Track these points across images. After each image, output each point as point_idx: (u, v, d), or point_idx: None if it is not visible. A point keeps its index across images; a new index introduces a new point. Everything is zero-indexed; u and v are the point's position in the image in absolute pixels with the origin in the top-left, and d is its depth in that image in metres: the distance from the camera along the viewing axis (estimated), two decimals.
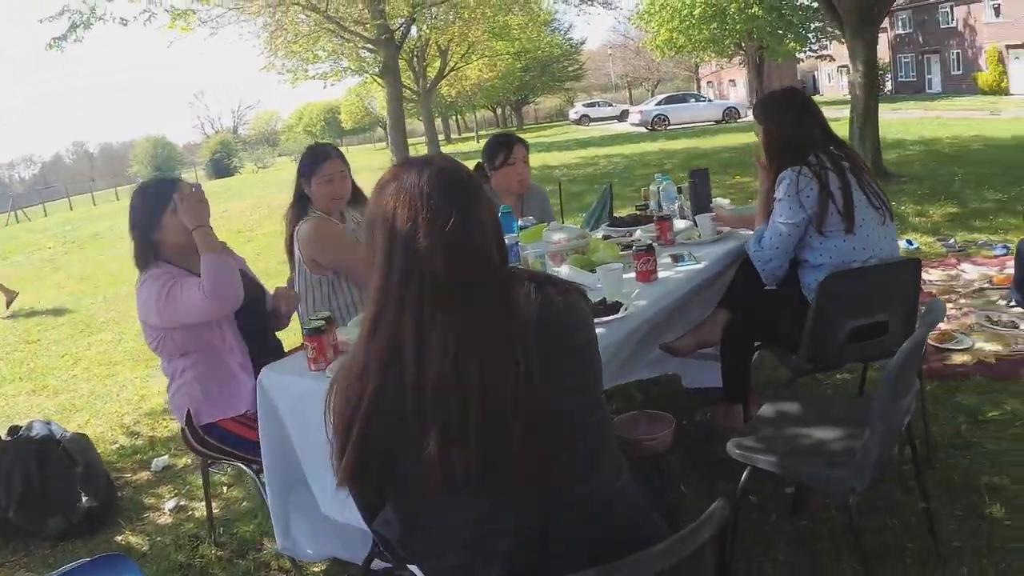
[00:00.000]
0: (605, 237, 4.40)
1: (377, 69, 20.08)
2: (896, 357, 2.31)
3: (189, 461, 4.76)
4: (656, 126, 38.35)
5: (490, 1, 19.93)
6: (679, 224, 4.48)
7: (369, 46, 18.37)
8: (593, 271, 3.50)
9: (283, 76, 21.96)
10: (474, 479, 1.56)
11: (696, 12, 44.00)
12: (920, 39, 50.89)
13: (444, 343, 1.56)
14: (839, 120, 27.34)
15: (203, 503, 4.05)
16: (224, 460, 3.43)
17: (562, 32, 57.29)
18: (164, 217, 3.26)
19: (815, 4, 46.56)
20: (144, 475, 4.72)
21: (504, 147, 4.65)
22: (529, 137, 33.49)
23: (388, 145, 20.60)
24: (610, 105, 58.90)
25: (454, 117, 65.51)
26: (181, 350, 3.27)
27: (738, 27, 45.65)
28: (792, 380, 3.80)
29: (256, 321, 3.50)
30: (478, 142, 42.94)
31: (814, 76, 69.60)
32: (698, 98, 44.97)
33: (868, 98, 12.32)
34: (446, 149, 33.86)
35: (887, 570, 2.77)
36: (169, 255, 3.31)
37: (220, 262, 3.11)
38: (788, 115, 3.67)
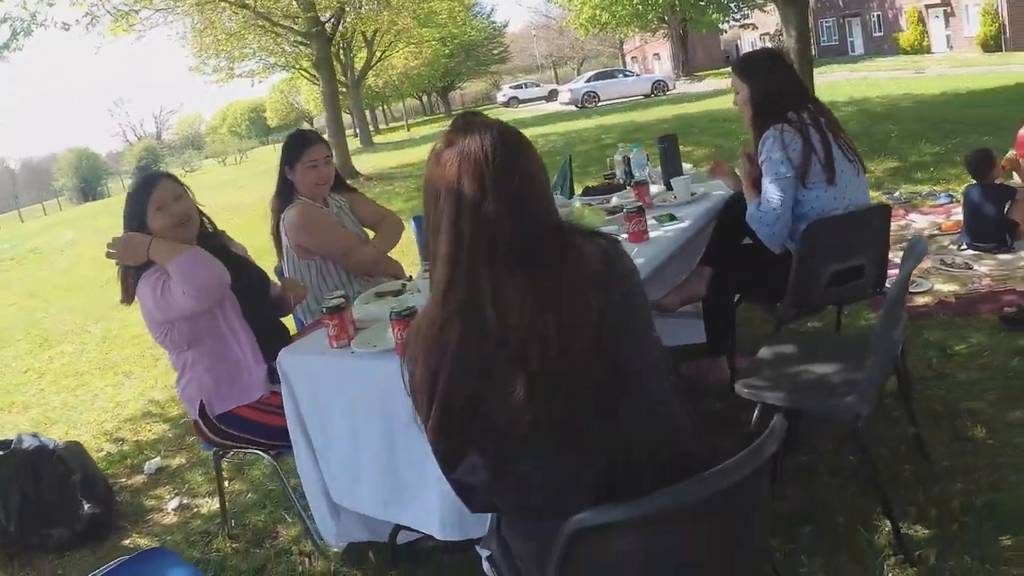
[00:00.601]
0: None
1: (309, 62, 19.87)
2: (892, 289, 2.48)
3: (183, 460, 4.77)
4: (586, 103, 38.57)
5: None
6: (653, 189, 4.60)
7: (301, 40, 18.20)
8: None
9: (212, 77, 21.73)
10: (559, 420, 1.64)
11: None
12: (840, 3, 51.69)
13: (521, 297, 1.63)
14: None
15: (207, 500, 4.11)
16: (240, 448, 3.44)
17: (485, 15, 57.15)
18: (148, 215, 3.26)
19: None
20: (139, 479, 4.69)
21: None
22: None
23: (328, 138, 20.36)
24: (537, 86, 59.00)
25: (380, 107, 65.11)
26: (188, 341, 3.27)
27: (660, 0, 45.98)
28: (777, 328, 3.84)
29: (262, 309, 3.55)
30: (408, 131, 42.82)
31: (737, 45, 70.23)
32: (626, 73, 45.31)
33: (802, 63, 12.44)
34: (377, 139, 33.67)
35: (890, 493, 2.92)
36: None
37: (185, 262, 3.09)
38: (770, 74, 3.76)
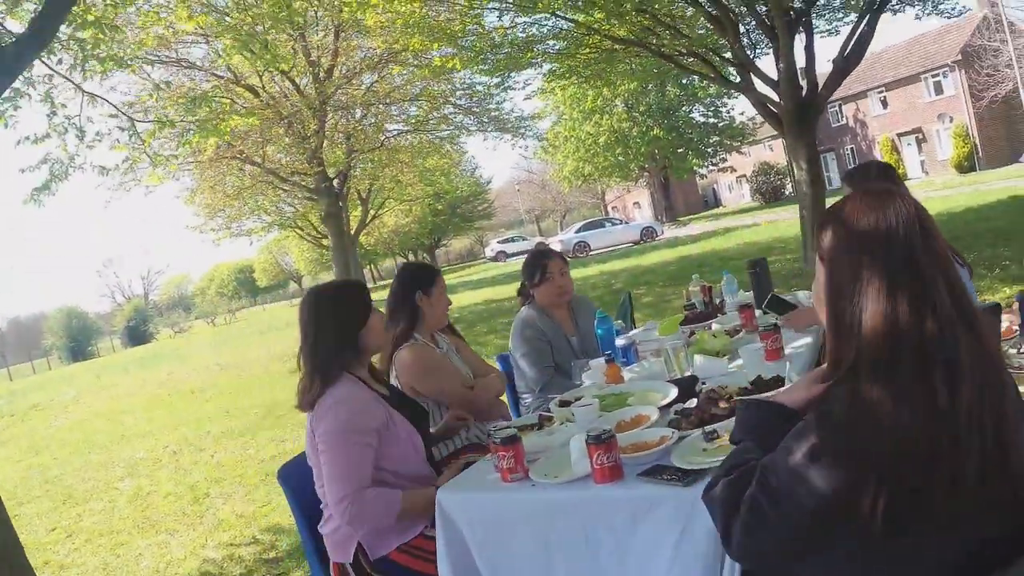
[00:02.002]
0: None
1: (305, 220, 19.96)
2: None
3: None
4: (578, 253, 38.88)
5: (415, 146, 20.28)
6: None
7: (309, 196, 18.33)
8: (719, 357, 3.55)
9: (211, 236, 21.78)
10: (999, 503, 1.59)
11: (601, 140, 45.40)
12: (815, 139, 53.16)
13: (971, 369, 1.58)
14: (750, 226, 28.12)
15: None
16: None
17: (470, 172, 58.31)
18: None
19: (711, 120, 49.64)
20: None
21: (539, 265, 4.59)
22: (454, 278, 33.44)
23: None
24: (524, 239, 59.63)
25: (369, 266, 65.72)
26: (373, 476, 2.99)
27: (642, 150, 47.26)
28: None
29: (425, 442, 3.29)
30: None
31: (714, 189, 72.05)
32: (613, 222, 45.85)
33: (815, 193, 12.79)
34: (373, 296, 33.28)
35: None
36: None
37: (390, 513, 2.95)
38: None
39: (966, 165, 40.16)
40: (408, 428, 3.08)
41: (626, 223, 46.14)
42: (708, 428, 2.60)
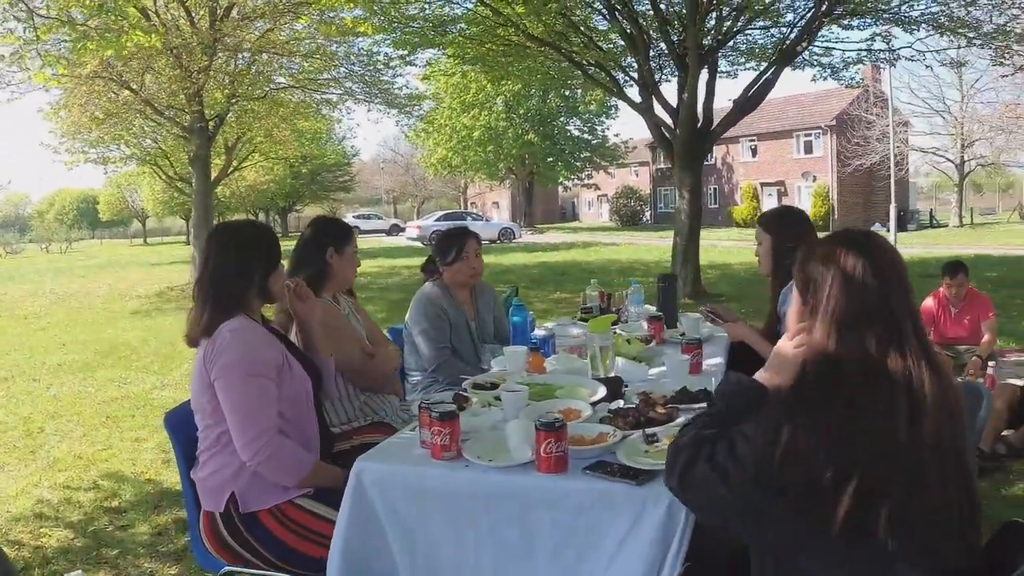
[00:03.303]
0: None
1: (167, 159, 19.04)
2: None
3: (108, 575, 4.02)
4: (433, 241, 38.60)
5: (298, 104, 19.70)
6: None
7: (182, 134, 17.48)
8: (639, 363, 3.64)
9: (64, 157, 20.39)
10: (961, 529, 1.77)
11: (475, 135, 45.39)
12: None
13: (933, 402, 1.75)
14: (608, 244, 28.70)
15: None
16: (245, 567, 2.88)
17: (339, 141, 57.24)
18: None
19: (586, 136, 50.49)
20: None
21: (456, 242, 4.53)
22: None
23: (193, 240, 19.44)
24: (380, 218, 59.15)
25: (218, 218, 63.53)
26: None
27: (513, 151, 47.60)
28: None
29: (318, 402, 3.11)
30: None
31: (573, 203, 73.36)
32: (474, 217, 46.05)
33: (692, 223, 13.16)
34: None
35: None
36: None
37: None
38: (798, 230, 4.00)
39: (821, 224, 42.26)
40: (302, 374, 2.92)
41: (486, 220, 46.38)
42: (649, 431, 2.61)
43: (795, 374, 1.92)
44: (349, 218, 56.89)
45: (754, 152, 48.30)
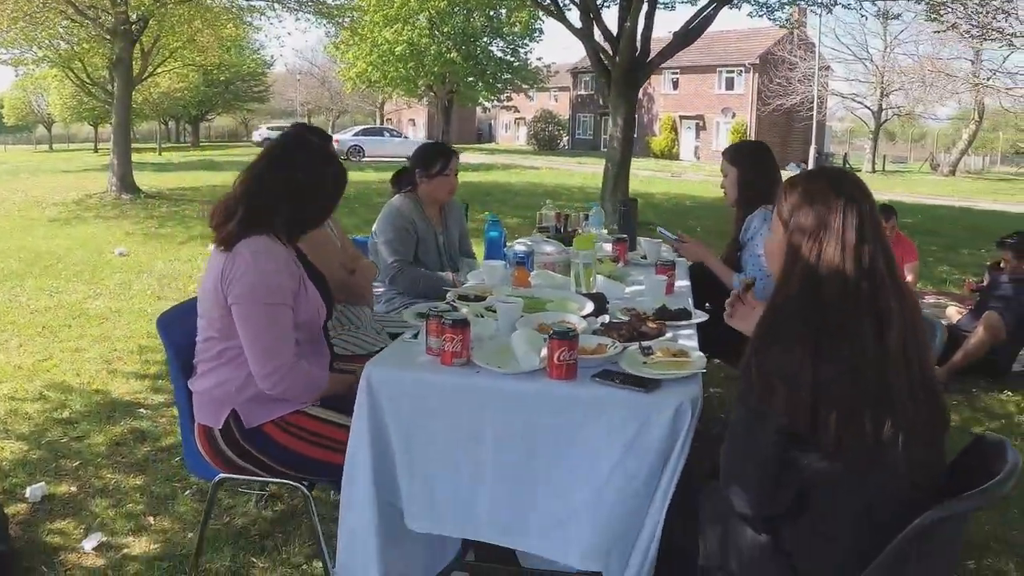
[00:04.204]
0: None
1: (110, 61, 18.21)
2: None
3: (73, 488, 3.92)
4: (351, 156, 38.20)
5: (226, 9, 19.06)
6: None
7: (104, 34, 16.73)
8: (616, 281, 3.77)
9: None
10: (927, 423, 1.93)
11: (397, 50, 44.51)
12: (600, 101, 54.96)
13: (899, 316, 1.91)
14: (528, 168, 28.82)
15: (131, 538, 3.44)
16: (250, 476, 2.92)
17: (254, 50, 55.51)
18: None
19: (508, 57, 49.99)
20: (21, 508, 3.75)
21: (443, 156, 4.53)
22: (219, 155, 31.99)
23: (112, 147, 18.75)
24: None
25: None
26: None
27: (435, 69, 46.80)
28: None
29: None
30: (159, 154, 40.64)
31: (490, 125, 72.94)
32: (393, 134, 45.48)
33: (624, 151, 13.28)
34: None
35: None
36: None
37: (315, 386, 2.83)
38: (763, 162, 4.21)
39: None
40: (315, 293, 2.87)
41: (405, 137, 45.85)
42: (644, 344, 2.73)
43: (767, 306, 2.06)
44: (263, 129, 55.59)
45: (675, 85, 48.66)
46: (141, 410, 4.95)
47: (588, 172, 29.94)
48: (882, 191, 27.88)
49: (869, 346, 1.86)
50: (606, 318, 3.12)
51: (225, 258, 2.67)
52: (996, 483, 1.81)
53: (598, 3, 13.77)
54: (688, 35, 13.34)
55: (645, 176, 28.04)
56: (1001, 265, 6.16)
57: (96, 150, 48.97)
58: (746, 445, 1.98)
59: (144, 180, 20.17)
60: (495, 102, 54.51)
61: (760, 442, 1.93)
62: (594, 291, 3.48)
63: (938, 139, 57.62)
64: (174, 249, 11.17)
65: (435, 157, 4.51)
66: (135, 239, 12.10)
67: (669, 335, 2.92)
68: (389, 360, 2.72)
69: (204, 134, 66.49)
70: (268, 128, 55.40)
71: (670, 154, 47.65)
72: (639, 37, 13.05)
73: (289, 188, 2.76)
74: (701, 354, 2.72)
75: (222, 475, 2.90)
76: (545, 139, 56.41)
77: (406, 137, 46.38)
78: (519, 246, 3.93)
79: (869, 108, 45.22)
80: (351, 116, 74.73)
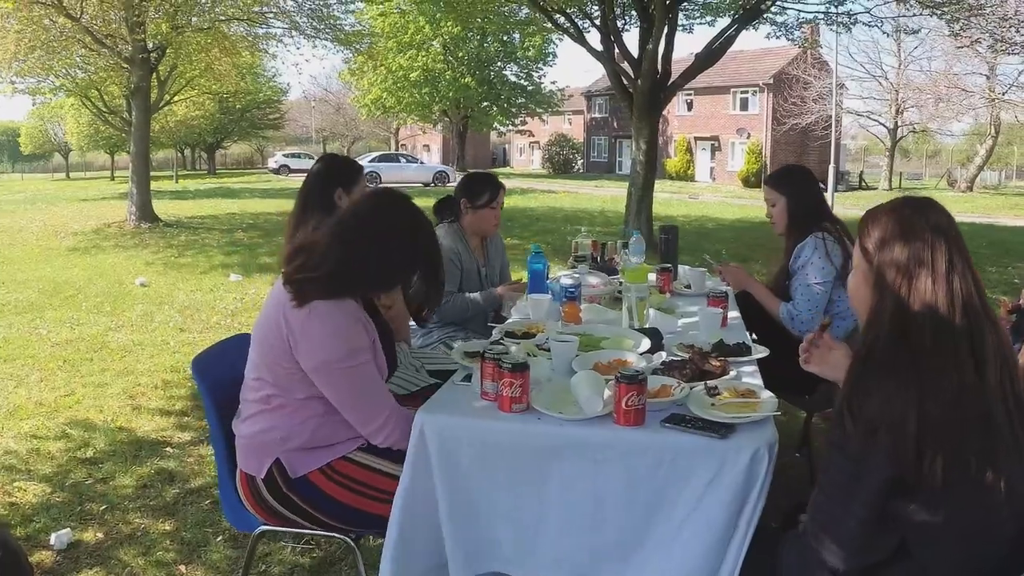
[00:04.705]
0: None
1: (128, 90, 18.23)
2: None
3: (101, 536, 3.74)
4: (368, 183, 38.16)
5: (242, 37, 19.09)
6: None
7: (124, 63, 16.75)
8: (669, 315, 3.63)
9: None
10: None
11: (412, 76, 44.81)
12: (614, 123, 55.10)
13: (994, 352, 1.81)
14: (546, 192, 28.88)
15: None
16: (293, 528, 2.76)
17: (271, 76, 55.87)
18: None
19: (522, 82, 50.22)
20: (46, 556, 3.58)
21: (490, 187, 4.41)
22: (235, 182, 32.05)
23: (130, 176, 18.76)
24: (311, 157, 57.85)
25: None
26: (309, 392, 2.59)
27: (449, 95, 47.19)
28: (810, 418, 4.21)
29: None
30: (176, 182, 40.77)
31: (505, 149, 73.12)
32: (409, 159, 45.59)
33: (647, 173, 13.21)
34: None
35: None
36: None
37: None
38: (808, 188, 4.12)
39: (752, 180, 43.14)
40: (381, 351, 2.70)
41: (421, 163, 45.94)
42: (710, 384, 2.61)
43: (860, 347, 1.94)
44: (278, 156, 55.91)
45: (690, 106, 48.58)
46: (168, 449, 4.79)
47: (607, 195, 29.97)
48: None
49: (970, 381, 1.76)
50: (663, 355, 2.97)
51: (295, 313, 2.50)
52: None
53: (619, 26, 13.71)
54: (710, 56, 13.31)
55: (663, 199, 27.91)
56: None
57: (113, 178, 49.26)
58: (846, 497, 1.85)
59: (162, 208, 20.21)
60: (509, 126, 54.78)
61: (861, 494, 1.81)
62: (648, 326, 3.32)
63: (952, 155, 57.42)
64: (195, 279, 11.06)
65: (482, 188, 4.40)
66: (155, 269, 12.00)
67: (733, 373, 2.77)
68: (443, 406, 2.56)
69: (220, 161, 66.77)
70: (283, 155, 55.82)
71: (686, 176, 47.64)
72: (660, 59, 12.95)
73: (388, 263, 2.64)
74: (771, 394, 2.57)
75: (263, 527, 2.75)
76: (560, 163, 56.46)
77: (422, 163, 46.43)
78: (566, 279, 3.77)
79: (884, 125, 45.05)
80: (366, 142, 75.14)
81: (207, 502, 4.01)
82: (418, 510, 2.44)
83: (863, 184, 44.72)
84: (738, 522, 2.23)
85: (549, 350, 2.91)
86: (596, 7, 13.51)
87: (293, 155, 56.82)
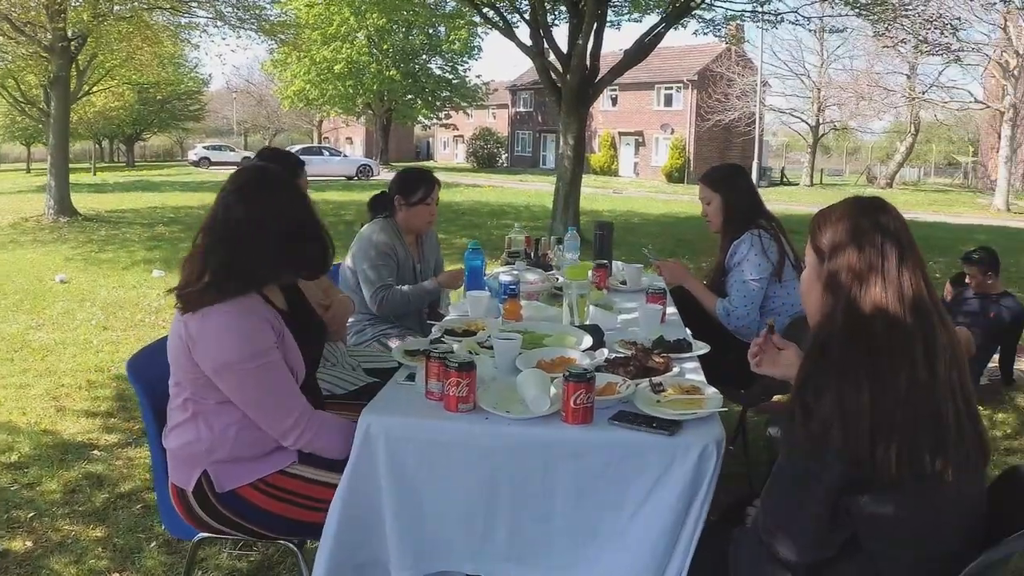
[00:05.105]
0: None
1: (47, 80, 17.62)
2: None
3: (30, 543, 3.60)
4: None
5: (165, 26, 18.64)
6: None
7: (42, 52, 16.22)
8: (608, 311, 3.63)
9: None
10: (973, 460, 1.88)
11: (337, 68, 44.33)
12: (539, 118, 55.30)
13: (943, 349, 1.85)
14: (471, 186, 28.88)
15: None
16: (228, 536, 2.68)
17: (191, 68, 54.68)
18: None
19: (447, 75, 50.07)
20: None
21: (425, 184, 4.36)
22: (151, 175, 31.35)
23: (49, 168, 18.21)
24: (232, 150, 56.99)
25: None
26: (224, 397, 2.48)
27: (374, 87, 46.80)
28: (744, 411, 4.24)
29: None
30: (94, 174, 39.77)
31: (428, 142, 72.91)
32: (333, 152, 45.15)
33: (575, 168, 13.26)
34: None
35: None
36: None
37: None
38: (743, 186, 4.20)
39: (676, 176, 43.80)
40: (295, 348, 2.55)
41: (344, 156, 45.55)
42: (655, 380, 2.62)
43: (812, 344, 1.97)
44: (199, 148, 54.79)
45: (614, 102, 48.96)
46: (95, 452, 4.65)
47: (531, 190, 30.10)
48: (824, 204, 28.23)
49: (922, 379, 1.80)
50: (605, 352, 2.97)
51: (191, 317, 2.39)
52: None
53: (548, 21, 13.74)
54: (640, 52, 13.42)
55: (588, 193, 27.93)
56: (967, 280, 6.17)
57: (29, 170, 47.71)
58: (800, 494, 1.88)
59: (81, 202, 19.67)
60: (434, 120, 54.53)
61: (816, 491, 1.84)
62: (588, 323, 3.33)
63: (873, 152, 58.94)
64: (117, 275, 10.77)
65: (417, 184, 4.34)
66: (75, 265, 11.67)
67: (676, 369, 2.80)
68: (388, 407, 2.51)
69: (139, 154, 65.14)
70: (204, 147, 54.74)
71: (609, 171, 48.05)
72: (588, 55, 13.01)
73: (276, 232, 2.46)
74: (715, 390, 2.60)
75: (203, 534, 2.68)
76: (484, 157, 56.47)
77: (345, 156, 46.02)
78: (505, 276, 3.76)
79: (806, 122, 46.05)
80: (288, 135, 74.35)
81: (138, 507, 3.91)
82: (357, 511, 2.40)
83: (784, 180, 45.59)
84: (686, 518, 2.25)
85: (491, 348, 2.91)
86: (526, 2, 13.51)
87: (214, 147, 55.74)
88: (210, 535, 2.67)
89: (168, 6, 17.16)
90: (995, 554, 1.75)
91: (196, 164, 51.69)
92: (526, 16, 13.74)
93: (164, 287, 9.62)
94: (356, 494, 2.39)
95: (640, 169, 48.21)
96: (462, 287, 4.22)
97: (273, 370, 2.43)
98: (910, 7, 13.66)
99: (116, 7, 16.25)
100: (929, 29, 14.72)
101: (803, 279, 2.14)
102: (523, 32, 13.84)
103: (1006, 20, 27.49)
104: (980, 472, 1.93)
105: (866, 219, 1.97)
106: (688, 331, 3.47)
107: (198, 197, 23.52)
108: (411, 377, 2.72)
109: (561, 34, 13.79)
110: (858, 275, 1.91)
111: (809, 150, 46.64)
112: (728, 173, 4.28)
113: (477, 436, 2.36)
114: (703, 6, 14.03)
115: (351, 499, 2.39)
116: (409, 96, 49.80)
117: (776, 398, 4.72)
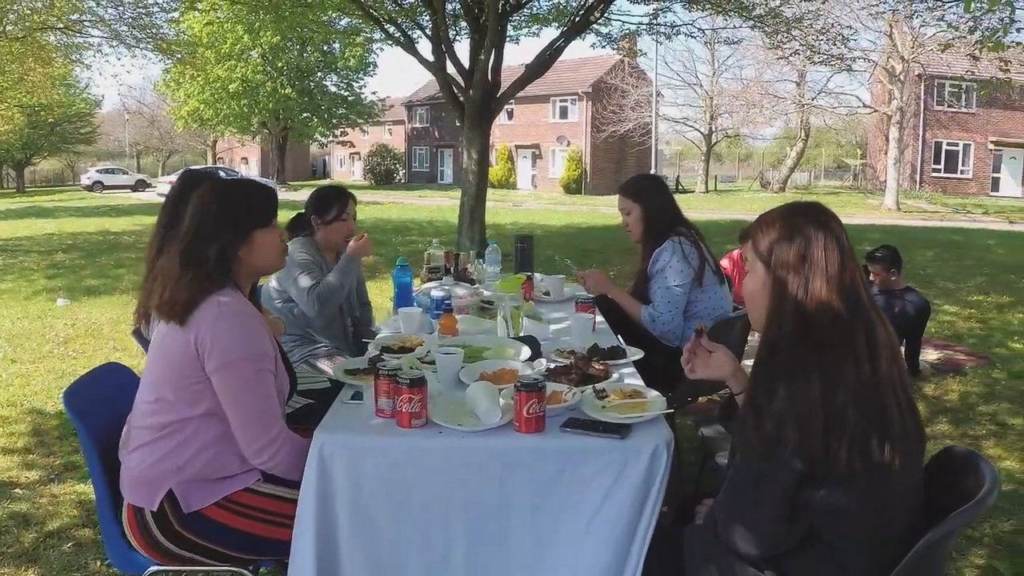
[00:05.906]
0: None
1: None
2: None
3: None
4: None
5: (56, 47, 18.06)
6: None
7: None
8: (540, 322, 3.74)
9: None
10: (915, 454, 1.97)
11: (231, 87, 43.65)
12: (436, 133, 55.32)
13: (882, 348, 1.94)
14: (372, 203, 28.54)
15: None
16: (185, 565, 2.61)
17: (82, 88, 53.02)
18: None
19: (343, 92, 49.74)
20: None
21: (339, 200, 4.36)
22: (43, 201, 30.15)
23: None
24: (125, 173, 55.60)
25: None
26: (210, 406, 2.48)
27: (269, 106, 46.25)
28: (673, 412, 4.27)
29: None
30: None
31: (325, 160, 72.27)
32: (228, 172, 44.34)
33: (479, 183, 13.36)
34: None
35: None
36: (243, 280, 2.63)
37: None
38: (661, 195, 4.32)
39: (573, 187, 44.35)
40: (283, 370, 2.64)
41: (240, 177, 44.77)
42: (598, 387, 2.70)
43: (762, 347, 2.05)
44: (91, 172, 53.28)
45: (510, 115, 49.26)
46: (17, 491, 4.46)
47: (432, 205, 30.16)
48: (720, 210, 29.02)
49: (866, 374, 1.88)
50: (543, 361, 3.04)
51: (190, 331, 2.42)
52: (985, 495, 1.88)
53: (450, 36, 13.81)
54: (541, 66, 13.58)
55: (488, 207, 28.12)
56: (871, 278, 6.41)
57: None
58: (756, 494, 1.95)
59: None
60: (330, 137, 54.15)
61: (772, 488, 1.91)
62: (523, 334, 3.40)
63: (764, 158, 60.62)
64: (19, 305, 10.35)
65: (330, 201, 4.33)
66: None
67: (615, 375, 2.89)
68: (340, 426, 2.52)
69: (29, 179, 62.86)
70: (96, 171, 53.29)
71: (507, 184, 48.32)
72: (490, 69, 13.11)
73: (230, 220, 2.56)
74: (657, 392, 2.69)
75: (154, 567, 2.61)
76: (382, 173, 56.30)
77: (240, 176, 45.27)
78: (437, 292, 3.80)
79: (699, 131, 47.18)
80: (182, 156, 72.90)
81: (69, 545, 3.77)
82: (321, 529, 2.39)
83: (680, 188, 46.50)
84: (640, 518, 2.32)
85: (433, 363, 2.94)
86: (427, 18, 13.56)
87: (107, 171, 54.29)
88: (161, 567, 2.61)
89: (62, 26, 16.63)
90: (938, 533, 1.83)
91: (90, 188, 50.34)
92: (428, 32, 13.78)
93: (69, 317, 9.40)
94: (310, 516, 2.37)
95: (538, 182, 48.66)
96: (391, 305, 4.23)
97: (269, 379, 2.49)
98: (804, 19, 14.17)
99: (8, 28, 15.66)
100: (822, 40, 15.25)
101: (746, 284, 2.21)
102: (424, 47, 13.94)
103: (892, 27, 28.61)
104: (919, 459, 2.01)
105: (803, 219, 2.05)
106: (620, 338, 3.57)
107: (95, 222, 22.88)
108: (357, 396, 2.74)
109: (463, 49, 13.94)
110: (800, 273, 1.99)
111: (703, 158, 47.84)
112: (647, 184, 4.42)
113: (432, 450, 2.39)
114: (601, 20, 14.30)
115: (309, 520, 2.37)
116: (305, 114, 49.35)
117: (702, 400, 4.90)
